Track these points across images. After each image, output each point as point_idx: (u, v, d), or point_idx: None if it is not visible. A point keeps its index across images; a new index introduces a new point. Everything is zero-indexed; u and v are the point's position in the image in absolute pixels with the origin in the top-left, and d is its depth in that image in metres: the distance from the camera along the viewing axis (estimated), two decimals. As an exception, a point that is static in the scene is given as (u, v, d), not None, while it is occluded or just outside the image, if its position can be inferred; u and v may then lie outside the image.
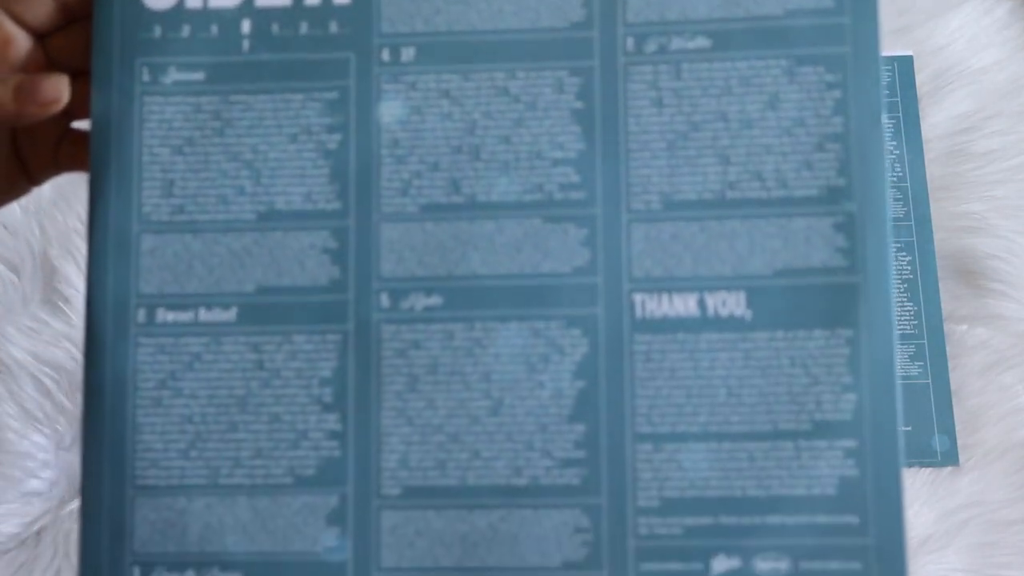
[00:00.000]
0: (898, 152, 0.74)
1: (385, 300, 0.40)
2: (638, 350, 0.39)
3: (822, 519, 0.38)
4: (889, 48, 0.77)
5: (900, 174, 0.73)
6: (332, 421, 0.40)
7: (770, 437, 0.39)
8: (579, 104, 0.41)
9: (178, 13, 0.42)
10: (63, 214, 0.73)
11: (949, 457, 0.70)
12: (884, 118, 0.40)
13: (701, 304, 0.40)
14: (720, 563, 0.39)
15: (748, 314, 0.39)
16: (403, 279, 0.40)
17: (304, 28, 0.42)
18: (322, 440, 0.40)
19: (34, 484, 0.69)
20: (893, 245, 0.38)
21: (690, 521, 0.39)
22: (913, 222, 0.73)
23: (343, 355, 0.40)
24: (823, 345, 0.39)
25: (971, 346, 0.72)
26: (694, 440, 0.39)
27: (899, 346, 0.70)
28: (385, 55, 0.42)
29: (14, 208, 0.73)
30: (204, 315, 0.41)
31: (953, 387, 0.71)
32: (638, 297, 0.40)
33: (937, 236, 0.73)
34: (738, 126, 0.40)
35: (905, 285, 0.72)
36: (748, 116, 0.40)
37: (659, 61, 0.41)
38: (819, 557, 0.38)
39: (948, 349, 0.71)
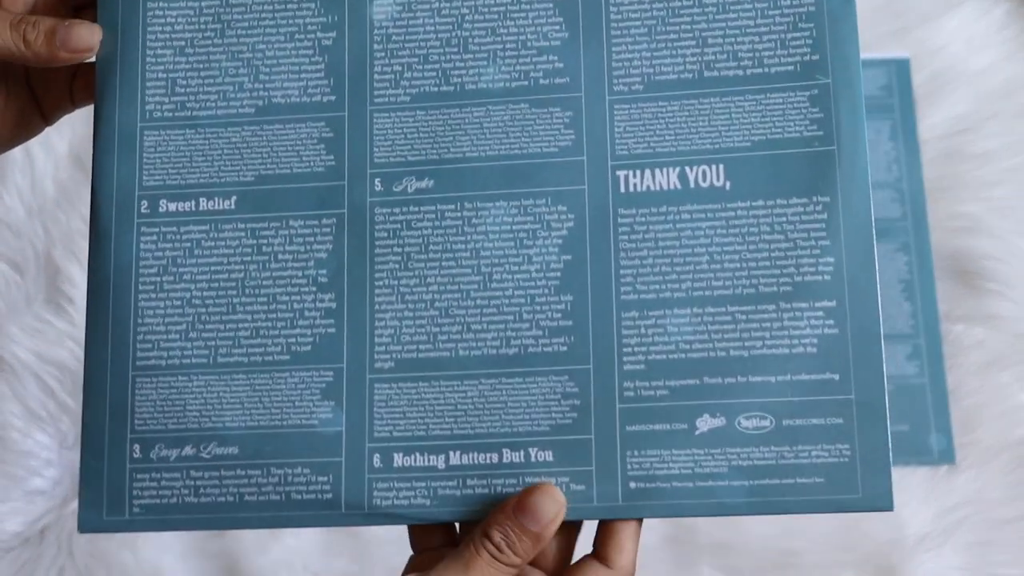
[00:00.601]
0: (895, 153, 0.74)
1: (378, 184, 0.42)
2: (622, 223, 0.41)
3: (804, 377, 0.39)
4: (887, 49, 0.77)
5: (897, 175, 0.73)
6: (327, 300, 0.41)
7: (752, 300, 0.40)
8: None
9: None
10: (66, 215, 0.74)
11: (946, 456, 0.70)
12: None
13: (682, 177, 0.41)
14: (704, 422, 0.40)
15: (728, 184, 0.40)
16: (395, 164, 0.42)
17: None
18: (318, 318, 0.41)
19: (37, 483, 0.69)
20: (865, 115, 0.38)
21: (675, 383, 0.40)
22: (910, 222, 0.73)
23: (338, 237, 0.42)
24: (801, 211, 0.40)
25: (968, 346, 0.72)
26: (678, 305, 0.40)
27: (896, 345, 0.71)
28: None
29: (18, 208, 0.74)
30: (205, 204, 0.42)
31: (950, 387, 0.71)
32: (621, 173, 0.41)
33: (934, 236, 0.73)
34: (715, 10, 0.41)
35: (902, 285, 0.72)
36: (725, 0, 0.41)
37: None
38: (801, 414, 0.39)
39: (945, 349, 0.71)
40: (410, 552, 0.42)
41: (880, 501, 0.39)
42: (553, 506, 0.38)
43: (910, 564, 0.68)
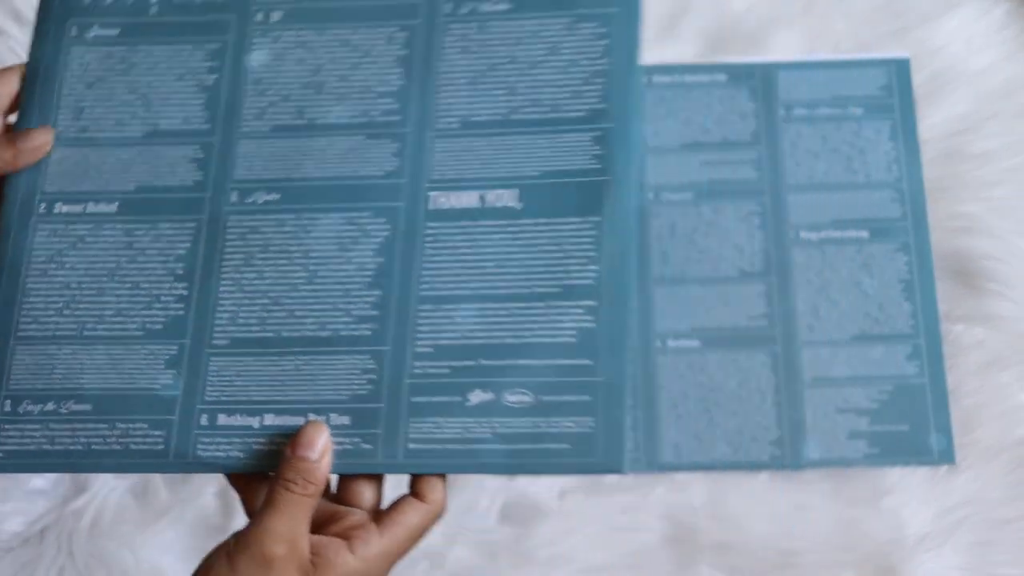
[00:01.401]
0: (895, 154, 0.73)
1: (235, 196, 0.52)
2: (428, 234, 0.50)
3: (562, 361, 0.48)
4: (886, 50, 0.77)
5: (897, 175, 0.73)
6: (181, 288, 0.51)
7: (527, 299, 0.49)
8: (403, 52, 0.53)
9: None
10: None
11: (946, 456, 0.69)
12: (638, 59, 0.52)
13: (481, 198, 0.51)
14: (476, 396, 0.48)
15: (519, 205, 0.50)
16: (251, 181, 0.52)
17: None
18: (171, 303, 0.51)
19: (38, 482, 0.69)
20: (638, 153, 0.51)
21: (455, 363, 0.48)
22: (910, 222, 0.72)
23: (196, 238, 0.51)
24: (575, 228, 0.50)
25: (968, 346, 0.72)
26: (465, 301, 0.49)
27: (896, 346, 0.70)
28: (259, 17, 0.54)
29: None
30: (91, 207, 0.52)
31: (950, 387, 0.71)
32: (432, 194, 0.51)
33: (934, 236, 0.73)
34: (525, 67, 0.52)
35: (902, 285, 0.71)
36: (534, 59, 0.52)
37: (470, 20, 0.53)
38: (557, 392, 0.48)
39: (945, 349, 0.71)
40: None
41: (614, 465, 0.46)
42: (320, 435, 0.46)
43: (910, 564, 0.68)
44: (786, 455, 0.69)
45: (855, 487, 0.70)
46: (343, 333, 0.49)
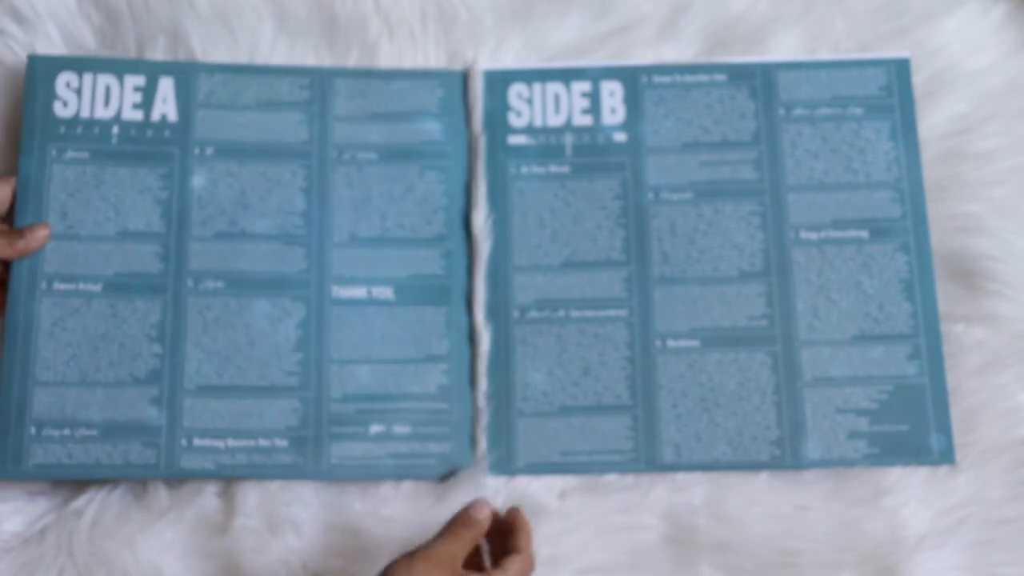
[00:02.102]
0: (895, 153, 0.73)
1: (190, 282, 0.71)
2: (333, 315, 0.71)
3: (429, 405, 0.70)
4: (886, 50, 0.77)
5: (897, 175, 0.73)
6: (156, 348, 0.70)
7: (403, 362, 0.71)
8: (304, 184, 0.73)
9: (75, 120, 0.72)
10: None
11: (946, 456, 0.69)
12: (469, 197, 0.74)
13: (368, 292, 0.72)
14: (374, 428, 0.70)
15: (394, 297, 0.72)
16: (201, 271, 0.71)
17: (150, 133, 0.73)
18: (149, 358, 0.70)
19: (38, 483, 0.69)
20: (471, 263, 0.73)
21: (359, 406, 0.70)
22: (910, 222, 0.72)
23: (164, 312, 0.70)
24: (432, 313, 0.72)
25: (968, 346, 0.72)
26: (364, 363, 0.71)
27: (896, 346, 0.70)
28: (196, 151, 0.72)
29: None
30: (82, 286, 0.70)
31: (950, 386, 0.71)
32: (334, 287, 0.71)
33: (934, 236, 0.73)
34: (396, 199, 0.73)
35: (902, 285, 0.71)
36: (397, 195, 0.73)
37: (349, 164, 0.73)
38: (427, 425, 0.70)
39: (945, 348, 0.71)
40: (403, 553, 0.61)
41: (464, 466, 0.70)
42: (484, 505, 0.64)
43: (910, 564, 0.68)
44: (786, 455, 0.69)
45: (855, 487, 0.70)
46: (278, 383, 0.70)
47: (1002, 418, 0.71)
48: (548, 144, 0.74)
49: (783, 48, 0.77)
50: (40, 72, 0.73)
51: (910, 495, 0.70)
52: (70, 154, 0.71)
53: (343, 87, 0.74)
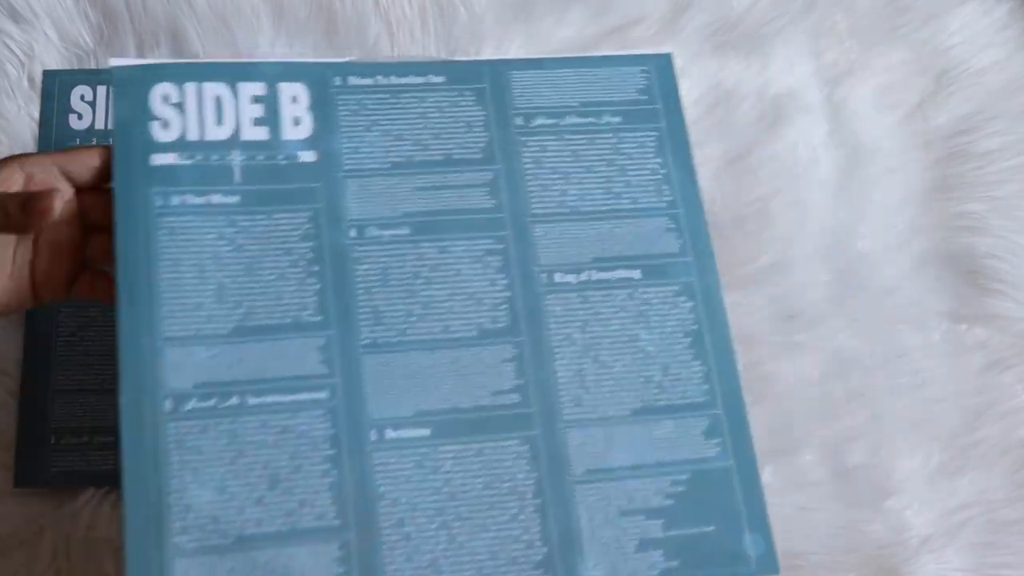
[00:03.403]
0: (664, 172, 0.60)
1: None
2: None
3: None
4: (887, 50, 0.77)
5: (669, 198, 0.59)
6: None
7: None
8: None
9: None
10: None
11: (766, 563, 0.54)
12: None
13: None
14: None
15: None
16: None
17: None
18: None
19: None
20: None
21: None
22: (692, 258, 0.58)
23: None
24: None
25: (970, 346, 0.72)
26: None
27: (689, 419, 0.56)
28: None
29: None
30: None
31: (951, 386, 0.71)
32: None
33: (938, 236, 0.73)
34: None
35: (689, 339, 0.57)
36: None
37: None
38: None
39: (947, 349, 0.71)
40: None
41: None
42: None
43: (913, 566, 0.68)
44: None
45: (857, 488, 0.70)
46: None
47: (1005, 419, 0.71)
48: (208, 166, 0.56)
49: (785, 44, 0.77)
50: (56, 85, 0.73)
51: (913, 496, 0.69)
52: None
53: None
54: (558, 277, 0.57)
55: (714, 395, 0.56)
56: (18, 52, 0.75)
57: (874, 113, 0.77)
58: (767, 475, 0.70)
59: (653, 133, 0.60)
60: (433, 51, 0.77)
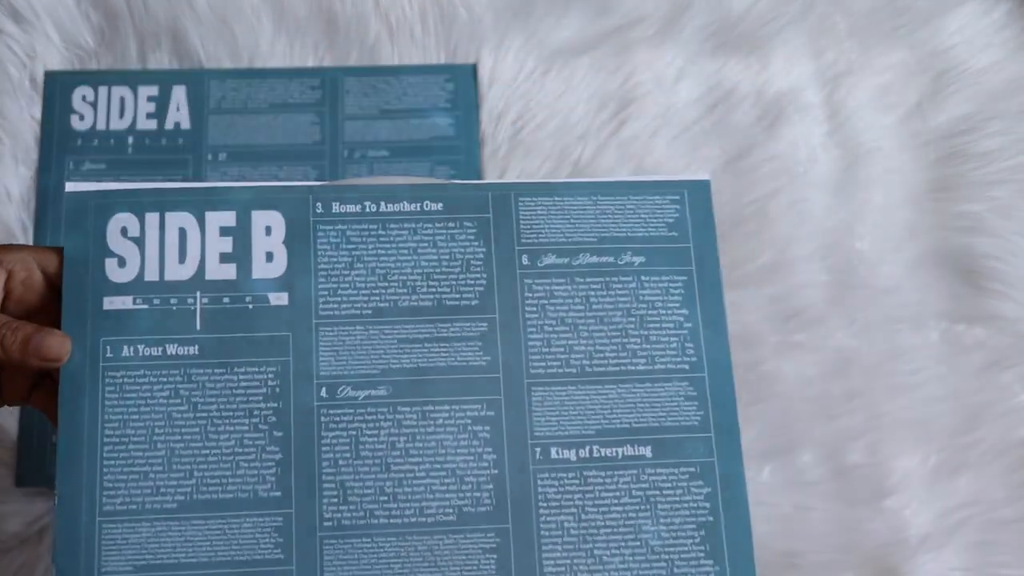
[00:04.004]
0: (690, 326, 0.51)
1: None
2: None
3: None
4: (886, 50, 0.77)
5: (694, 359, 0.51)
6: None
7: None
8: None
9: (91, 132, 0.64)
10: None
11: None
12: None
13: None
14: None
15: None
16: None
17: (164, 141, 0.64)
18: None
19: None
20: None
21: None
22: (714, 435, 0.50)
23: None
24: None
25: (969, 346, 0.72)
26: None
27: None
28: (210, 157, 0.60)
29: None
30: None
31: (950, 386, 0.71)
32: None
33: (937, 236, 0.73)
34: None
35: (702, 534, 0.50)
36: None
37: (360, 162, 0.66)
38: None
39: (946, 348, 0.71)
40: None
41: None
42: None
43: (911, 565, 0.68)
44: None
45: (856, 488, 0.70)
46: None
47: (1004, 418, 0.71)
48: (166, 310, 0.50)
49: (783, 47, 0.77)
50: (57, 87, 0.72)
51: (911, 496, 0.70)
52: (87, 166, 0.69)
53: (353, 86, 0.72)
54: (555, 452, 0.49)
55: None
56: (19, 53, 0.75)
57: (873, 113, 0.77)
58: (766, 474, 0.70)
59: (681, 278, 0.51)
60: (433, 52, 0.77)
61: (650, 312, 0.51)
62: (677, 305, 0.51)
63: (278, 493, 0.48)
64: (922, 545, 0.69)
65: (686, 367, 0.50)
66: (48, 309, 0.50)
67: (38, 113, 0.74)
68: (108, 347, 0.49)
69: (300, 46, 0.77)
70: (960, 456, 0.70)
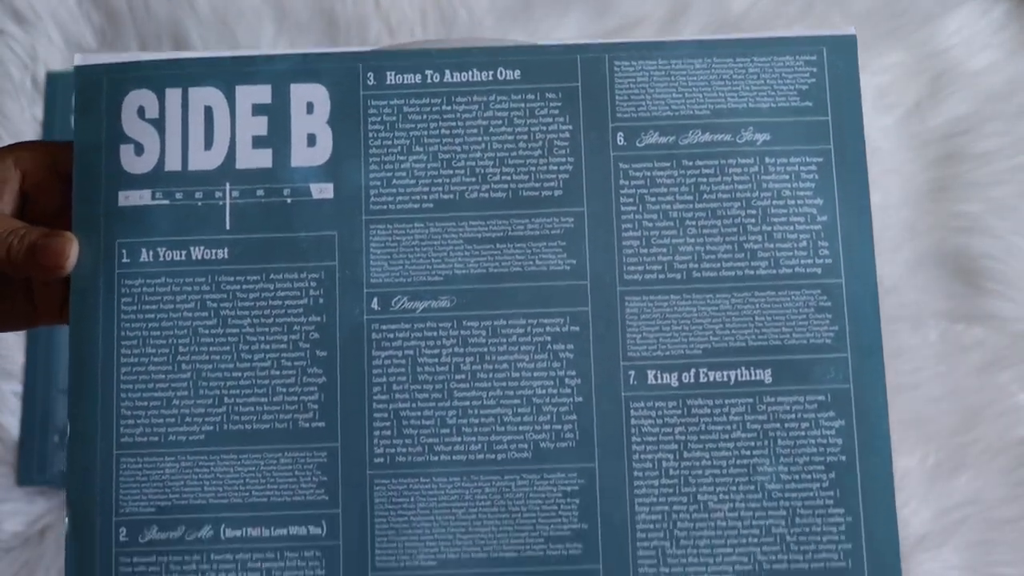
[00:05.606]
0: (825, 218, 0.41)
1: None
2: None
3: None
4: (885, 50, 0.77)
5: (829, 261, 0.41)
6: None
7: None
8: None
9: None
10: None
11: None
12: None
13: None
14: None
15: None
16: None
17: None
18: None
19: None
20: None
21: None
22: (851, 353, 0.40)
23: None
24: None
25: (968, 345, 0.72)
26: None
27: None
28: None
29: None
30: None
31: (949, 386, 0.71)
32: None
33: (935, 236, 0.73)
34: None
35: (832, 476, 0.40)
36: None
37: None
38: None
39: (945, 348, 0.71)
40: None
41: None
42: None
43: (910, 563, 0.68)
44: None
45: (855, 487, 0.70)
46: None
47: (1002, 418, 0.71)
48: (190, 207, 0.42)
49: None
50: (59, 87, 0.71)
51: (910, 494, 0.70)
52: None
53: None
54: (653, 376, 0.40)
55: (859, 560, 0.41)
56: (21, 54, 0.75)
57: (872, 114, 0.77)
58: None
59: (815, 159, 0.41)
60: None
61: (775, 203, 0.41)
62: (809, 194, 0.40)
63: (321, 424, 0.40)
64: (920, 544, 0.69)
65: (818, 271, 0.40)
66: (70, 214, 0.43)
67: (39, 113, 0.74)
68: (124, 251, 0.41)
69: (301, 47, 0.77)
70: (959, 455, 0.70)
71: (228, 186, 0.41)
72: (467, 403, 0.40)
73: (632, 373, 0.40)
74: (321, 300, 0.41)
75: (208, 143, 0.42)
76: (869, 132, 0.77)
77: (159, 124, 0.42)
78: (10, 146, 0.44)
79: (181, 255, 0.41)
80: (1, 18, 0.76)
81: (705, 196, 0.41)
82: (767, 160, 0.41)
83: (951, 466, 0.70)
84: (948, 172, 0.75)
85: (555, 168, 0.41)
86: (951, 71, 0.77)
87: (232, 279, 0.41)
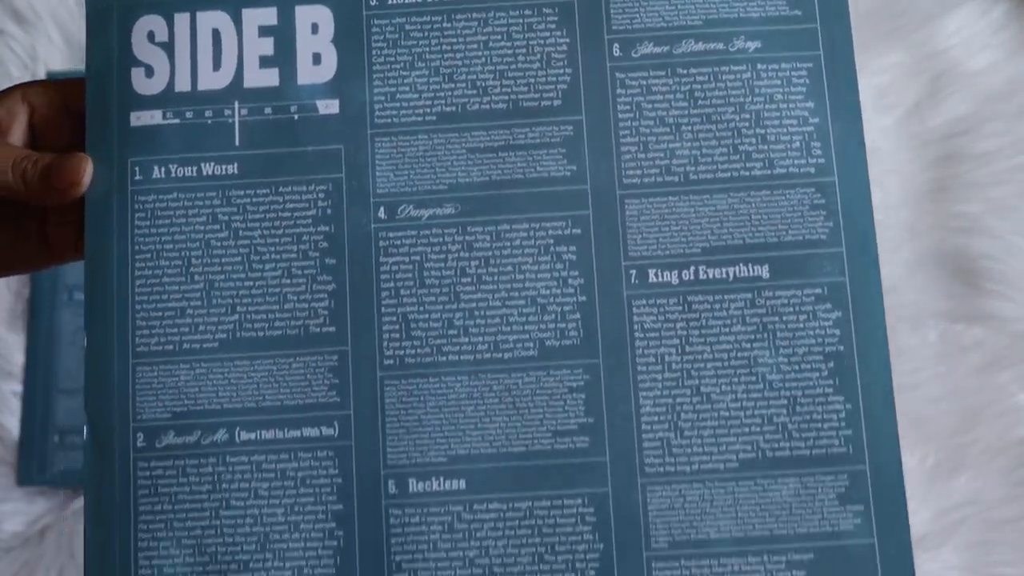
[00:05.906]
0: (817, 121, 0.43)
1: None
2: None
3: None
4: (884, 51, 0.77)
5: (822, 161, 0.42)
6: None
7: None
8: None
9: None
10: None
11: None
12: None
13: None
14: None
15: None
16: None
17: None
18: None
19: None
20: None
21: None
22: (845, 249, 0.41)
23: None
24: None
25: (967, 346, 0.72)
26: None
27: (820, 477, 0.41)
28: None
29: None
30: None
31: (948, 386, 0.71)
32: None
33: (935, 236, 0.73)
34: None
35: (831, 365, 0.41)
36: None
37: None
38: None
39: (944, 348, 0.71)
40: None
41: None
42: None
43: (910, 564, 0.69)
44: None
45: (855, 487, 0.70)
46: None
47: (1002, 418, 0.71)
48: (200, 124, 0.43)
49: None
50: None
51: (910, 494, 0.69)
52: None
53: None
54: (653, 275, 0.42)
55: (859, 445, 0.42)
56: (21, 54, 0.75)
57: (871, 114, 0.77)
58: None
59: (805, 65, 0.43)
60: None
61: (768, 107, 0.42)
62: (801, 97, 0.42)
63: (332, 328, 0.42)
64: (920, 544, 0.69)
65: (812, 170, 0.42)
66: (79, 147, 0.44)
67: (39, 114, 0.74)
68: (136, 168, 0.43)
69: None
70: (958, 455, 0.70)
71: (237, 104, 0.43)
72: (473, 305, 0.42)
73: (633, 272, 0.42)
74: (329, 211, 0.42)
75: (216, 64, 0.44)
76: (869, 132, 0.77)
77: (168, 47, 0.44)
78: (19, 84, 0.45)
79: (192, 171, 0.43)
80: (1, 18, 0.76)
81: (700, 102, 0.42)
82: (759, 67, 0.42)
83: (951, 466, 0.70)
84: (948, 172, 0.75)
85: (554, 79, 0.43)
86: (951, 71, 0.77)
87: (242, 193, 0.43)
